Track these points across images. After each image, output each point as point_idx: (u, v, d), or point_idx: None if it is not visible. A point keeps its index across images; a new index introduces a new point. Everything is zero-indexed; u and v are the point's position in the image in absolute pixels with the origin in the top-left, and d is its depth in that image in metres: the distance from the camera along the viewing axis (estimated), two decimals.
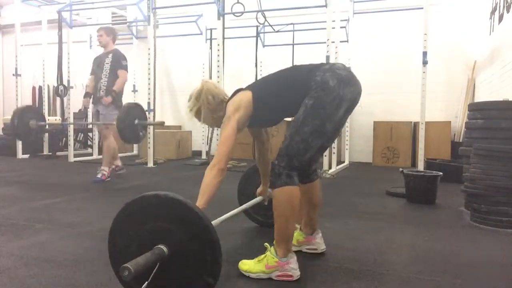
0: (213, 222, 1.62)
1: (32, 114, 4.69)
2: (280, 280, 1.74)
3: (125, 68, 4.51)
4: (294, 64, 1.97)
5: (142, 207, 1.48)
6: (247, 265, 1.80)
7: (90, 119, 6.64)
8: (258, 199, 2.32)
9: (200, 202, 1.66)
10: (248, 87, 1.94)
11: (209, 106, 1.95)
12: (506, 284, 1.81)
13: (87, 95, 4.68)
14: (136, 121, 4.19)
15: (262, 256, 1.80)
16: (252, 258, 1.83)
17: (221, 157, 1.76)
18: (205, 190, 1.70)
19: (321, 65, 1.83)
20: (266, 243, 1.85)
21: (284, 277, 1.75)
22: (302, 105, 1.76)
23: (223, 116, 1.87)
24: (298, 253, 2.04)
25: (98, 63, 4.62)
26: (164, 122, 4.54)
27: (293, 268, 1.75)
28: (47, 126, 5.98)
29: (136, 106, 4.43)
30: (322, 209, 2.88)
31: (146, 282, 1.41)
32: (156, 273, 1.40)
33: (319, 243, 2.09)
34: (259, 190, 2.33)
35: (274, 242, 1.80)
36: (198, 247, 1.41)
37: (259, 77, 6.98)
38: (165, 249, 1.43)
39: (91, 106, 4.74)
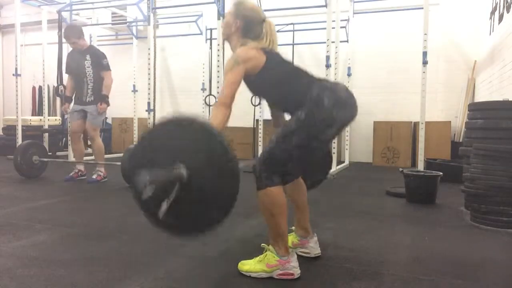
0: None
1: (35, 150, 4.62)
2: (281, 278, 1.74)
3: (107, 67, 4.35)
4: (295, 64, 1.93)
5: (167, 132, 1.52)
6: (248, 265, 1.80)
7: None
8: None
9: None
10: (265, 52, 1.83)
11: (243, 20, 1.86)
12: (506, 284, 1.81)
13: (67, 99, 4.53)
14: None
15: (262, 255, 1.80)
16: (251, 258, 1.83)
17: (226, 97, 1.71)
18: (214, 122, 1.65)
19: (323, 81, 1.83)
20: (263, 244, 1.85)
21: (286, 276, 1.75)
22: (294, 115, 1.76)
23: (234, 45, 1.85)
24: (298, 252, 2.04)
25: (76, 64, 4.40)
26: None
27: (294, 267, 1.76)
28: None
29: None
30: (320, 208, 2.89)
31: (166, 200, 1.43)
32: (181, 192, 1.43)
33: (312, 247, 2.05)
34: None
35: (270, 242, 1.80)
36: (218, 178, 1.43)
37: None
38: (184, 171, 1.44)
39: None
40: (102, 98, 4.33)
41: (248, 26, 1.88)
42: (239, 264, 1.83)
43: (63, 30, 4.42)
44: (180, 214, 1.50)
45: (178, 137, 1.51)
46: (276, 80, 1.83)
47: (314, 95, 1.73)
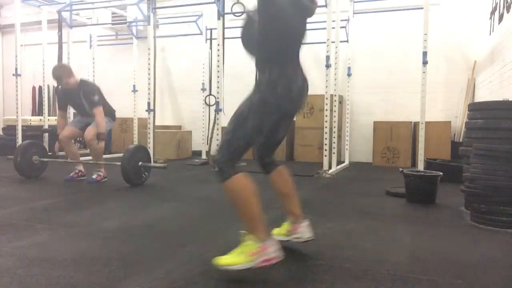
0: None
1: (35, 150, 4.60)
2: (264, 265, 1.72)
3: (97, 104, 4.26)
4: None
5: None
6: (226, 260, 1.74)
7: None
8: None
9: None
10: None
11: None
12: (506, 284, 1.81)
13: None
14: (140, 163, 4.14)
15: (241, 246, 1.76)
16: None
17: None
18: None
19: (293, 66, 1.89)
20: (241, 230, 1.80)
21: (266, 262, 1.73)
22: (247, 99, 1.85)
23: None
24: (298, 252, 2.05)
25: (72, 100, 4.43)
26: (166, 166, 4.49)
27: (274, 251, 1.74)
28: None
29: (140, 148, 4.36)
30: (320, 208, 2.89)
31: None
32: None
33: (303, 231, 2.07)
34: None
35: (248, 231, 1.77)
36: None
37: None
38: None
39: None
40: (98, 136, 4.26)
41: None
42: (216, 260, 1.74)
43: (52, 71, 4.31)
44: None
45: None
46: (283, 20, 1.84)
47: (272, 77, 1.81)
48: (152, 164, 4.48)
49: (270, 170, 2.11)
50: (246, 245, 1.74)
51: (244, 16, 2.00)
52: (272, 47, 1.88)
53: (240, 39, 2.03)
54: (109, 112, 4.59)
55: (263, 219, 1.79)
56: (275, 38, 1.87)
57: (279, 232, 2.12)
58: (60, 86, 4.42)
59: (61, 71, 4.29)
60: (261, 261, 1.73)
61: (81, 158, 4.66)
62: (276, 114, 1.84)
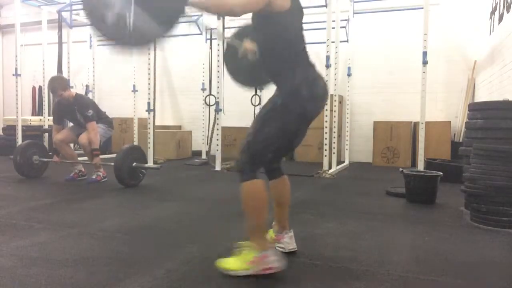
0: None
1: (36, 150, 4.60)
2: (262, 274, 1.73)
3: (91, 119, 4.25)
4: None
5: None
6: (228, 264, 1.79)
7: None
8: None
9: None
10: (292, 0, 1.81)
11: None
12: (506, 284, 1.81)
13: (57, 151, 4.46)
14: (134, 164, 4.15)
15: (240, 253, 1.79)
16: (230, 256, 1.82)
17: None
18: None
19: (311, 68, 1.87)
20: (239, 242, 1.84)
21: (267, 271, 1.74)
22: (270, 102, 1.82)
23: None
24: (298, 252, 2.05)
25: (68, 115, 4.48)
26: (160, 167, 4.49)
27: (273, 261, 1.75)
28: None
29: (135, 149, 4.36)
30: (321, 209, 2.89)
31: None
32: None
33: (287, 243, 2.04)
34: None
35: (248, 238, 1.79)
36: None
37: None
38: None
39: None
40: (92, 152, 4.26)
41: None
42: (219, 262, 1.80)
43: (48, 83, 4.35)
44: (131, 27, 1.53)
45: None
46: (285, 32, 1.82)
47: (294, 81, 1.79)
48: (147, 165, 4.46)
49: (274, 176, 2.05)
50: (244, 254, 1.78)
51: (225, 45, 1.98)
52: (281, 57, 1.84)
53: (227, 70, 2.02)
54: (107, 121, 4.63)
55: (265, 231, 1.81)
56: (281, 51, 1.84)
57: None
58: (56, 98, 4.42)
59: (56, 84, 4.29)
60: (260, 270, 1.74)
61: (85, 158, 4.66)
62: (300, 118, 1.81)
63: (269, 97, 1.91)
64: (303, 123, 1.86)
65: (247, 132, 1.84)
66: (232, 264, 1.78)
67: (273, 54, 1.85)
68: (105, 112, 4.76)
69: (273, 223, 2.09)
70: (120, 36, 1.56)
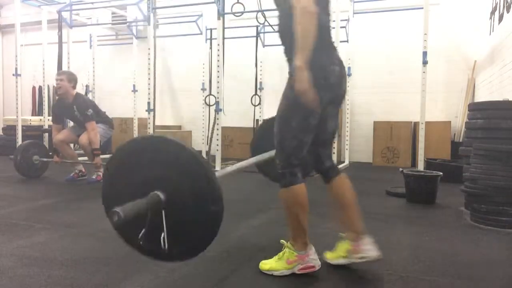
0: (220, 173, 1.67)
1: (36, 150, 4.61)
2: (303, 272, 1.78)
3: (91, 118, 4.25)
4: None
5: (134, 153, 1.46)
6: (268, 264, 1.82)
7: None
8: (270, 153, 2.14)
9: (302, 58, 1.54)
10: None
11: None
12: (506, 284, 1.81)
13: (57, 151, 4.46)
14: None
15: (281, 253, 1.82)
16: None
17: (309, 1, 1.53)
18: (304, 40, 1.53)
19: (335, 54, 1.78)
20: (282, 240, 1.86)
21: (307, 269, 1.78)
22: (284, 96, 1.73)
23: None
24: None
25: (68, 115, 4.51)
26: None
27: (313, 259, 1.79)
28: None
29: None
30: (320, 208, 2.88)
31: (144, 230, 1.39)
32: (157, 218, 1.38)
33: (368, 249, 1.82)
34: None
35: (290, 238, 1.82)
36: (195, 187, 1.40)
37: (259, 78, 7.00)
38: (161, 195, 1.39)
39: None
40: (92, 152, 4.26)
41: None
42: (260, 264, 1.85)
43: (69, 72, 4.46)
44: (160, 239, 1.44)
45: (155, 161, 1.44)
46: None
47: (318, 66, 1.65)
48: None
49: (331, 176, 1.93)
50: (285, 252, 1.80)
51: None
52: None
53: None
54: (108, 121, 4.64)
55: (306, 232, 1.80)
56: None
57: (336, 256, 1.90)
58: (57, 91, 4.40)
59: (68, 75, 4.35)
60: (299, 269, 1.78)
61: (85, 158, 4.66)
62: (318, 107, 1.68)
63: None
64: (324, 109, 1.74)
65: (274, 131, 1.77)
66: (274, 264, 1.81)
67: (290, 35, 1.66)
68: (105, 112, 4.77)
69: (343, 234, 1.89)
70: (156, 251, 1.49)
